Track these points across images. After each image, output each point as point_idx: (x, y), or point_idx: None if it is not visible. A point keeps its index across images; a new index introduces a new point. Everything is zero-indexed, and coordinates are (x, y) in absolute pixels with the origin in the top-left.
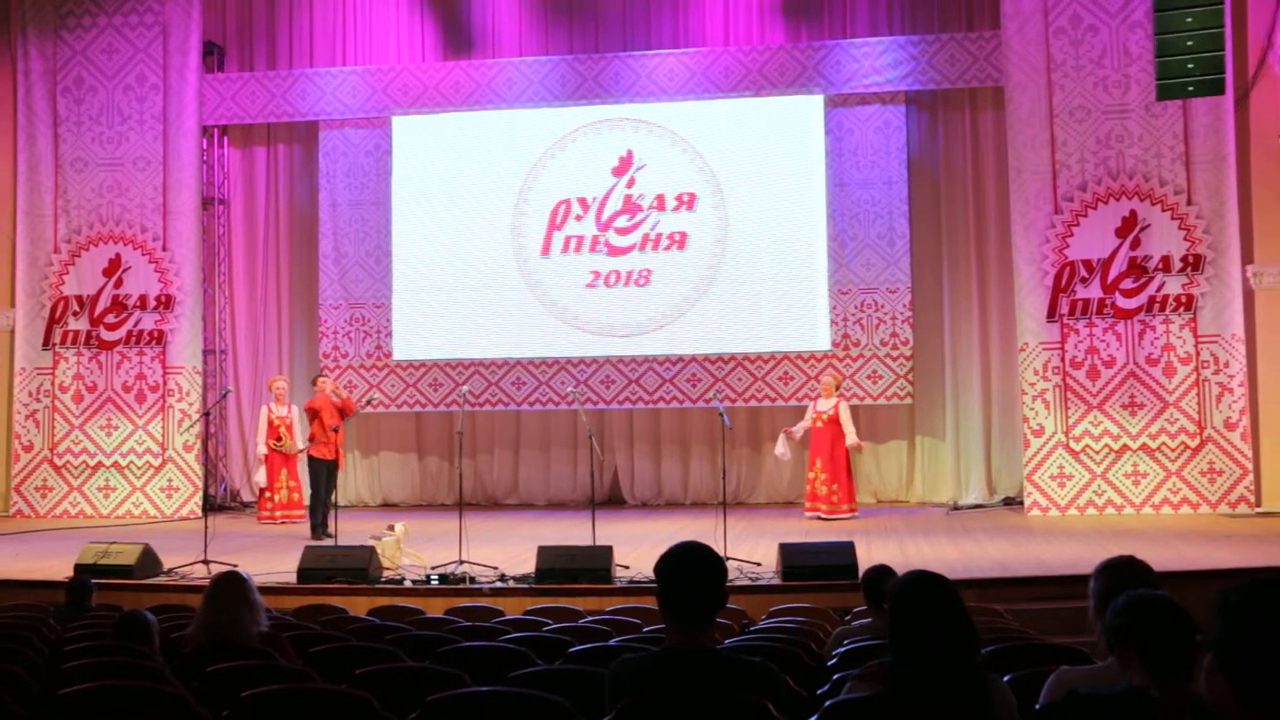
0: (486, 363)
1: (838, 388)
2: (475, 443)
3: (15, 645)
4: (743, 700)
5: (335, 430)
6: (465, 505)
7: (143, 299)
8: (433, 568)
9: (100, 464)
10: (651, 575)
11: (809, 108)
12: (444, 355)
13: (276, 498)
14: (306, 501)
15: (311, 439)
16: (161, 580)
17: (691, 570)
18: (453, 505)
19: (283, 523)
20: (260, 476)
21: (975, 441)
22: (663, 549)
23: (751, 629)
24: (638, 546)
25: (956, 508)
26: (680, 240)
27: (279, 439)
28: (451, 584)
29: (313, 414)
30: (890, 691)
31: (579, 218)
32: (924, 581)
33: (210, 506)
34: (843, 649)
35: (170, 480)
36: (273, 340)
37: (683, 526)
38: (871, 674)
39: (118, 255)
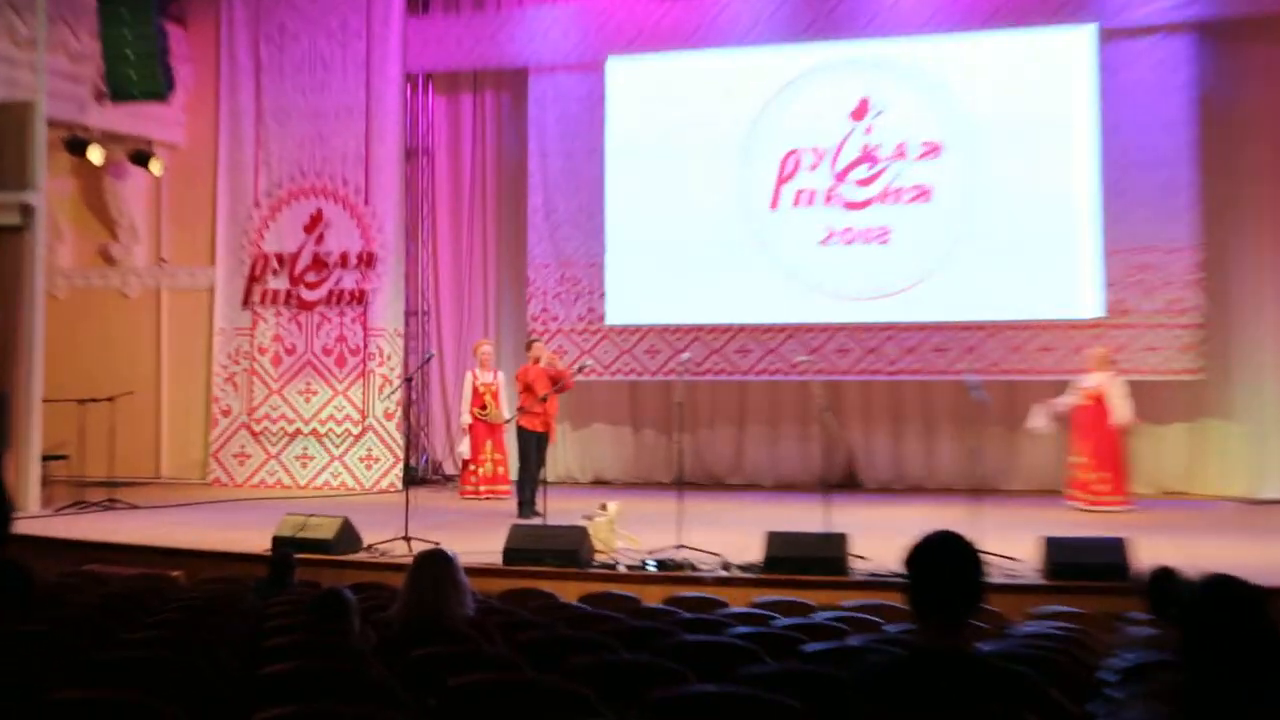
0: (708, 328)
1: (1108, 361)
2: (696, 416)
3: (218, 619)
4: (1003, 712)
5: (544, 399)
6: (685, 484)
7: (344, 256)
8: (649, 552)
9: (299, 431)
10: (892, 568)
11: (1075, 42)
12: (662, 320)
13: (481, 471)
14: (513, 476)
15: (521, 409)
16: (361, 556)
17: (946, 563)
18: (671, 484)
19: (487, 498)
20: (464, 448)
21: (1275, 425)
22: (904, 538)
23: (1010, 633)
24: (876, 535)
25: (1256, 502)
26: (924, 193)
27: (484, 408)
28: (670, 571)
29: (524, 384)
30: (1186, 716)
31: (811, 169)
32: (1230, 589)
33: (411, 479)
34: (1120, 662)
35: (370, 450)
36: (478, 301)
37: (928, 514)
38: (1160, 692)
39: (319, 210)
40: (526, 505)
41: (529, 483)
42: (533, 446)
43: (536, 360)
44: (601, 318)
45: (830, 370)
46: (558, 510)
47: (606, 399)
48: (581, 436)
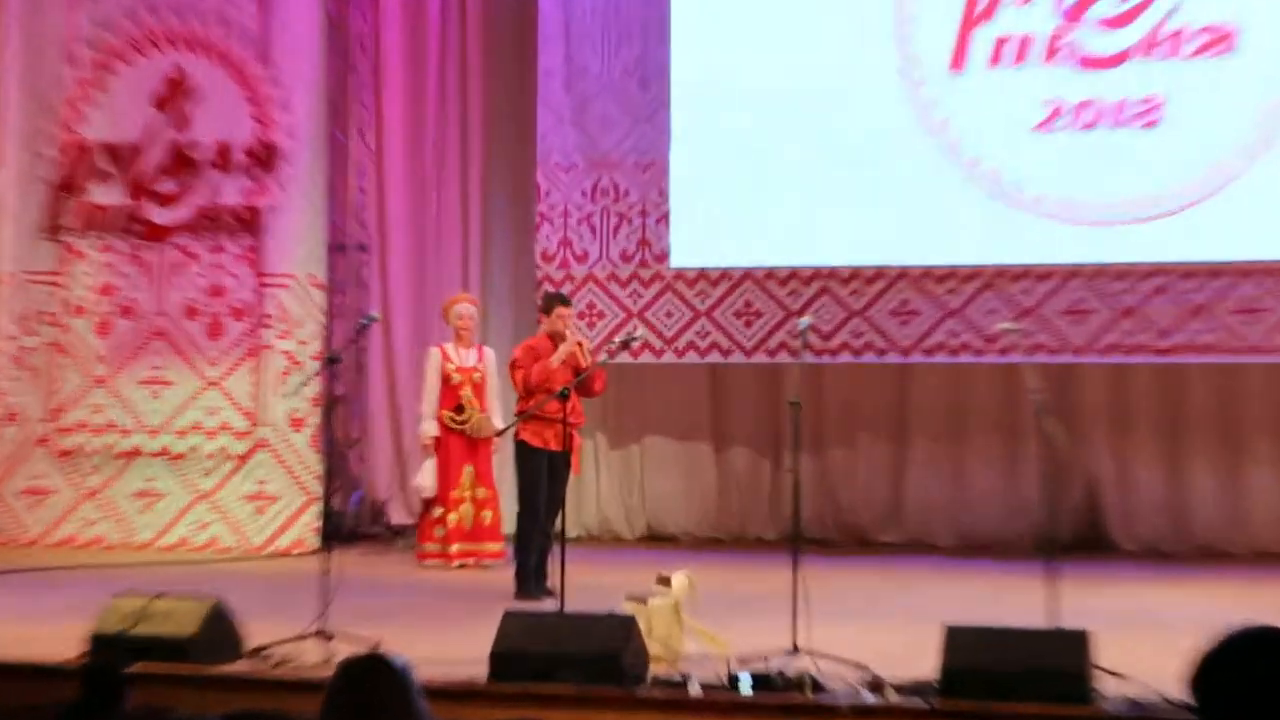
0: (842, 274)
1: None
2: (821, 425)
3: None
4: None
5: (564, 396)
6: (804, 543)
7: (223, 151)
8: (741, 661)
9: (138, 450)
10: (1172, 693)
11: None
12: (763, 260)
13: (452, 518)
14: (508, 527)
15: (523, 413)
16: (242, 668)
17: (1271, 686)
18: (778, 542)
19: (463, 565)
20: (426, 479)
21: None
22: (1190, 639)
23: None
24: (1139, 633)
25: None
26: (1222, 39)
27: (461, 410)
28: (779, 690)
29: (531, 374)
30: None
31: (1021, 2)
32: None
33: (335, 533)
34: None
35: (263, 482)
36: (451, 231)
37: (1233, 597)
38: None
39: (179, 71)
40: (530, 579)
41: (535, 540)
42: (542, 476)
43: (553, 335)
44: (662, 256)
45: (1055, 348)
46: (585, 587)
47: (669, 395)
48: (624, 460)
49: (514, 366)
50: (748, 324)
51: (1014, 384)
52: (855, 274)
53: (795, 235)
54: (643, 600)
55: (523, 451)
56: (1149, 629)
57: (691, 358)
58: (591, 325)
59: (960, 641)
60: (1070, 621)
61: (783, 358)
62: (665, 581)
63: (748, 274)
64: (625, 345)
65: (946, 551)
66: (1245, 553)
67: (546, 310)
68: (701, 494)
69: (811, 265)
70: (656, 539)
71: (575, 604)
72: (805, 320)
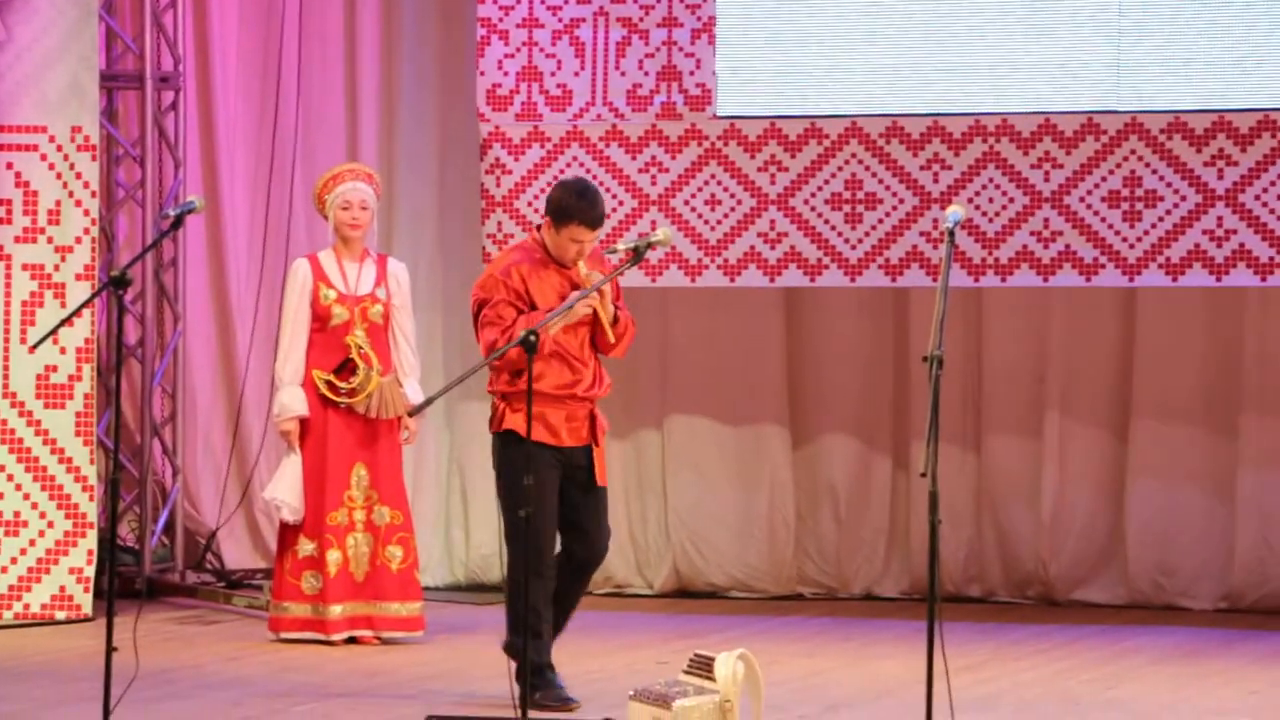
0: (1023, 128)
1: None
2: (977, 398)
3: None
4: None
5: (530, 345)
6: (950, 602)
7: None
8: None
9: None
10: None
11: None
12: (874, 103)
13: (333, 559)
14: (437, 578)
15: (508, 371)
16: None
17: None
18: (903, 600)
19: (352, 639)
20: (286, 489)
21: None
22: None
23: None
24: None
25: None
26: None
27: (345, 369)
28: None
29: (501, 325)
30: None
31: None
32: None
33: (125, 585)
34: None
35: None
36: (326, 56)
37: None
38: None
39: None
40: (543, 669)
41: (538, 598)
42: (547, 490)
43: (556, 259)
44: (702, 99)
45: None
46: (565, 675)
47: (714, 345)
48: (637, 458)
49: (478, 312)
50: (853, 221)
51: None
52: (1046, 128)
53: (934, 58)
54: (666, 701)
55: (509, 448)
56: None
57: (752, 278)
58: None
59: None
60: None
61: (915, 278)
62: (705, 667)
63: (853, 128)
64: (636, 256)
65: (1202, 618)
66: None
67: (556, 219)
68: (768, 518)
69: (968, 113)
70: (690, 594)
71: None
72: (955, 211)
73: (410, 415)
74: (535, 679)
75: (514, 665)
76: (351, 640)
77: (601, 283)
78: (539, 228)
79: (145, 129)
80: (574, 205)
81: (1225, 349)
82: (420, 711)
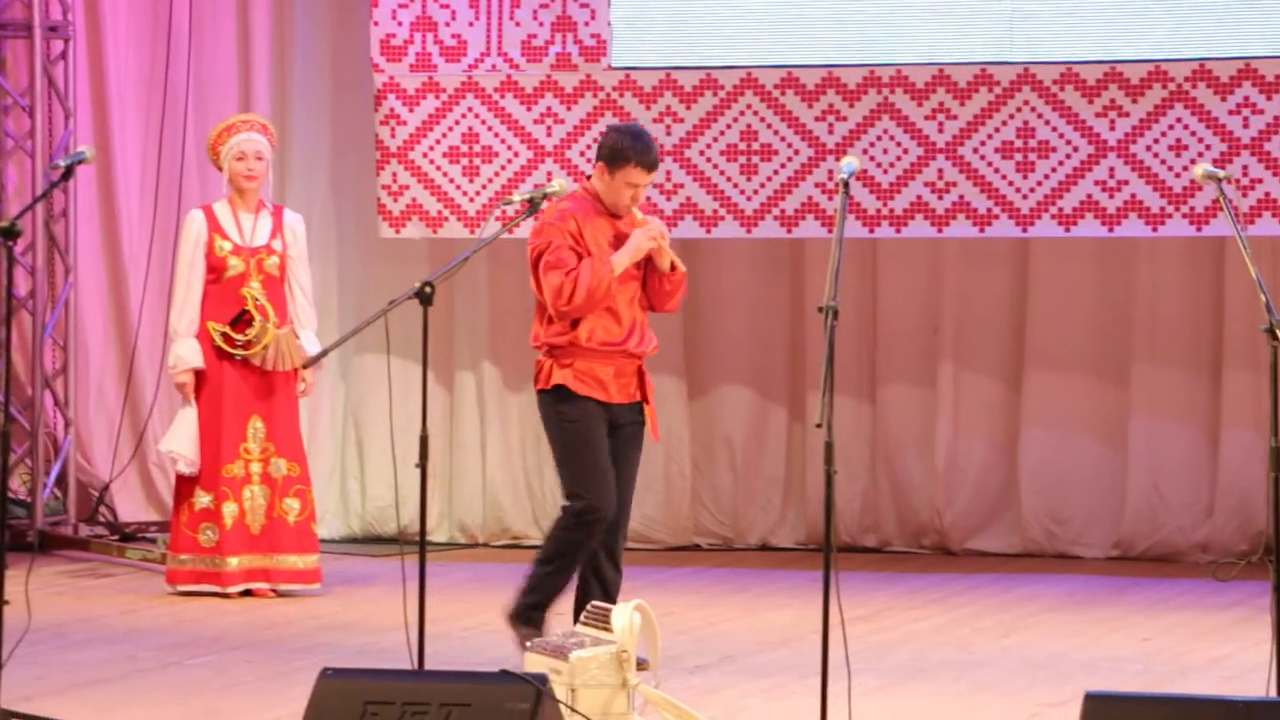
0: (916, 79)
1: None
2: (872, 350)
3: None
4: None
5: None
6: (843, 552)
7: None
8: None
9: None
10: None
11: None
12: (771, 54)
13: (230, 511)
14: (334, 529)
15: (552, 348)
16: None
17: None
18: (799, 550)
19: (247, 591)
20: (181, 440)
21: None
22: None
23: None
24: None
25: None
26: None
27: (241, 320)
28: None
29: (568, 270)
30: None
31: None
32: None
33: (15, 538)
34: None
35: None
36: (225, 14)
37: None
38: None
39: None
40: (536, 611)
41: (584, 559)
42: (601, 445)
43: (608, 206)
44: (597, 50)
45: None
46: (462, 626)
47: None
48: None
49: (537, 261)
50: (748, 172)
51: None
52: (940, 79)
53: (829, 9)
54: (562, 652)
55: (560, 405)
56: None
57: (694, 230)
58: (472, 175)
59: (1111, 718)
60: None
61: (810, 230)
62: (602, 617)
63: (748, 79)
64: (532, 207)
65: (1094, 566)
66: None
67: (610, 162)
68: (664, 469)
69: (863, 64)
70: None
71: (445, 655)
72: (850, 163)
73: (304, 367)
74: (536, 627)
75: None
76: (247, 593)
77: (666, 235)
78: (589, 178)
79: (34, 78)
80: (630, 147)
81: (1117, 299)
82: (316, 663)
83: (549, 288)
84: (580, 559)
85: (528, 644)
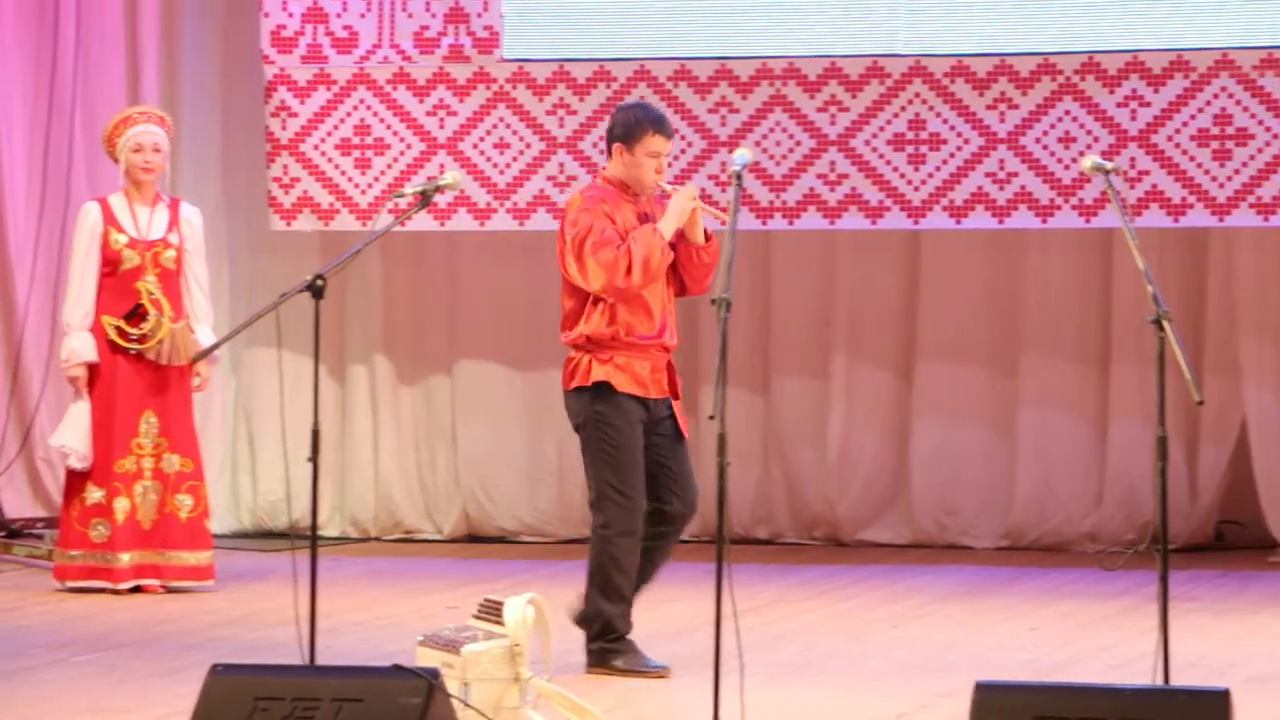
0: (808, 71)
1: None
2: (765, 343)
3: None
4: None
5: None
6: (737, 544)
7: None
8: None
9: None
10: None
11: None
12: (660, 46)
13: (121, 507)
14: (230, 524)
15: (583, 342)
16: None
17: None
18: (692, 543)
19: (138, 588)
20: (73, 435)
21: None
22: None
23: None
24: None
25: None
26: None
27: (136, 315)
28: None
29: (617, 243)
30: None
31: None
32: None
33: None
34: None
35: None
36: (112, 4)
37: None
38: None
39: None
40: (620, 632)
41: (630, 561)
42: (638, 447)
43: (629, 184)
44: (490, 41)
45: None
46: (354, 621)
47: (502, 289)
48: (425, 405)
49: (581, 244)
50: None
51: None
52: (832, 71)
53: (721, 2)
54: (454, 646)
55: (599, 404)
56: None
57: (542, 222)
58: (364, 167)
59: (1000, 702)
60: (1186, 667)
61: (703, 221)
62: (494, 611)
63: (641, 71)
64: (424, 200)
65: (984, 557)
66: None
67: (626, 139)
68: (558, 462)
69: (755, 56)
70: (479, 539)
71: (337, 651)
72: (743, 154)
73: (194, 361)
74: (619, 645)
75: (591, 634)
76: (137, 589)
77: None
78: (603, 168)
79: None
80: (644, 118)
81: (1007, 290)
82: (207, 659)
83: (603, 265)
84: (634, 569)
85: (419, 638)
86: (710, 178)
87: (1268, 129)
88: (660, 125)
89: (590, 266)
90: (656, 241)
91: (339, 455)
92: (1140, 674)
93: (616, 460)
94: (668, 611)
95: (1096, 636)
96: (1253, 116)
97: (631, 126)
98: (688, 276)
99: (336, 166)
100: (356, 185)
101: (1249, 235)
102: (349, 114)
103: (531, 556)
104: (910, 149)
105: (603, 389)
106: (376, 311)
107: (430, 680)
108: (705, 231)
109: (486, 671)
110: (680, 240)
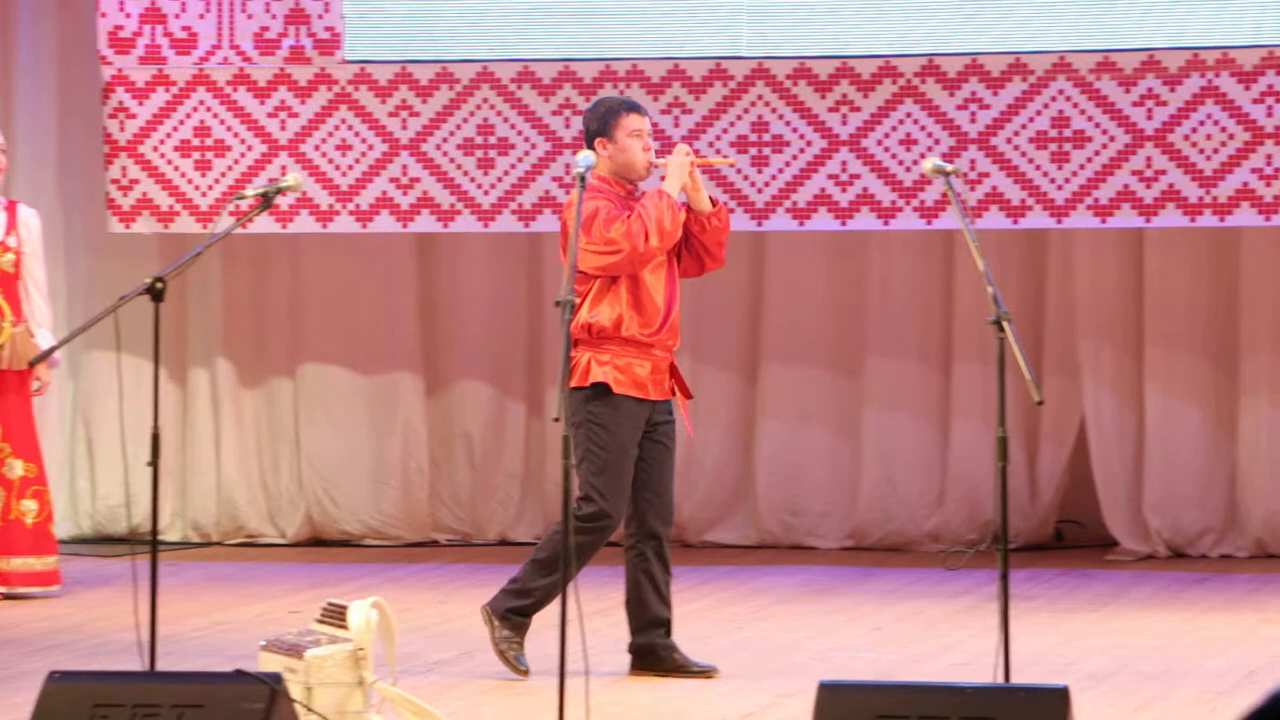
0: (650, 72)
1: None
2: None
3: None
4: None
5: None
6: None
7: None
8: None
9: None
10: None
11: None
12: (509, 48)
13: None
14: (73, 528)
15: (594, 338)
16: None
17: None
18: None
19: None
20: None
21: None
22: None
23: None
24: (1135, 684)
25: None
26: None
27: None
28: None
29: (630, 216)
30: None
31: None
32: None
33: None
34: None
35: None
36: None
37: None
38: None
39: None
40: (523, 615)
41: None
42: (631, 452)
43: (621, 177)
44: (331, 43)
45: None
46: (196, 627)
47: (346, 292)
48: (268, 407)
49: (591, 220)
50: (486, 166)
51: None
52: (676, 73)
53: (565, 3)
54: (297, 650)
55: (593, 404)
56: (1158, 680)
57: (385, 224)
58: (204, 169)
59: (842, 702)
60: (1027, 665)
61: (547, 224)
62: (338, 615)
63: (484, 73)
64: (266, 202)
65: (828, 557)
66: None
67: (604, 129)
68: (402, 465)
69: (599, 58)
70: (323, 543)
71: (178, 656)
72: (586, 156)
73: (33, 364)
74: (516, 621)
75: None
76: None
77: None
78: (588, 169)
79: None
80: (612, 103)
81: (850, 292)
82: (46, 666)
83: (621, 236)
84: (581, 565)
85: (262, 643)
86: (555, 179)
87: (1104, 131)
88: (632, 104)
89: (606, 242)
90: (665, 201)
91: (180, 459)
92: (982, 672)
93: (604, 464)
94: None
95: (939, 636)
96: (1089, 119)
97: (604, 116)
98: (702, 250)
99: (176, 168)
100: (196, 187)
101: (1087, 237)
102: (188, 115)
103: (376, 560)
104: (754, 151)
105: (600, 390)
106: (217, 314)
107: (273, 685)
108: (711, 199)
109: (330, 676)
110: (688, 214)
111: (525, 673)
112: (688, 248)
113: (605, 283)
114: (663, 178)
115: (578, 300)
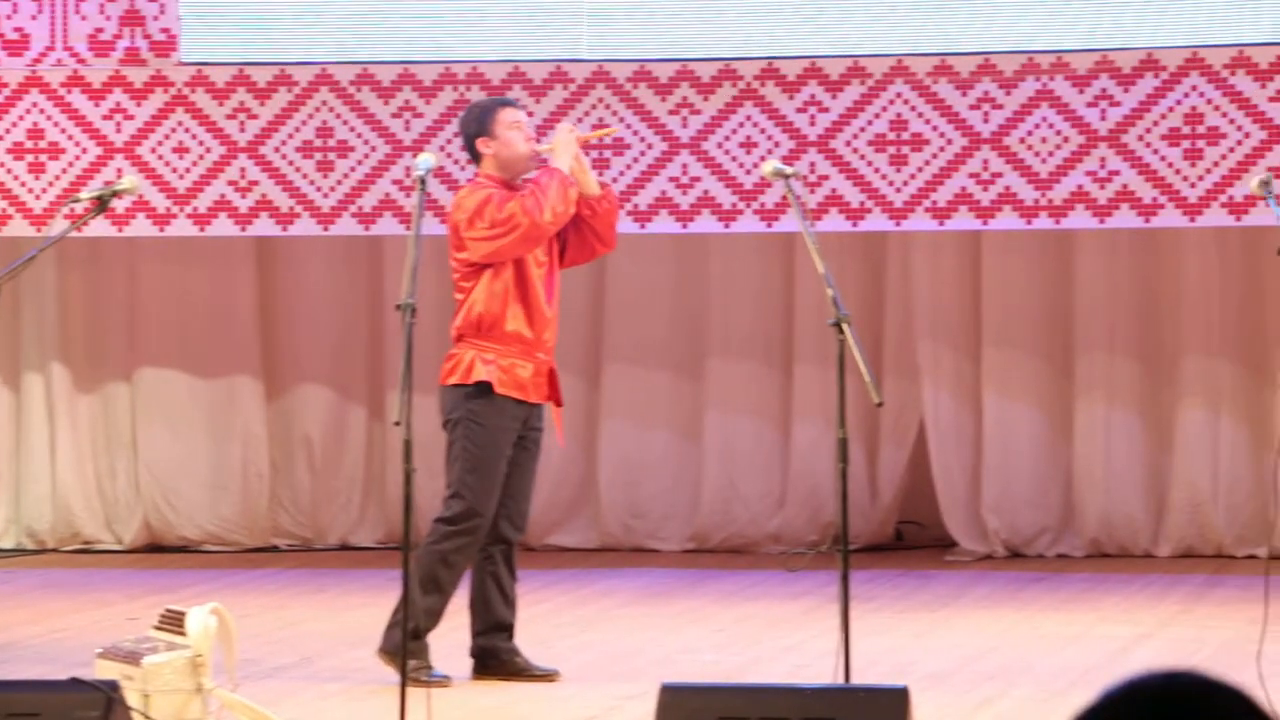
0: (487, 73)
1: None
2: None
3: None
4: None
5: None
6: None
7: None
8: None
9: None
10: None
11: None
12: (350, 50)
13: None
14: None
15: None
16: None
17: None
18: (379, 549)
19: None
20: None
21: None
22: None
23: None
24: (978, 683)
25: None
26: None
27: None
28: None
29: (524, 196)
30: None
31: None
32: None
33: None
34: None
35: None
36: None
37: (1138, 628)
38: None
39: None
40: (416, 639)
41: (466, 565)
42: (504, 456)
43: (507, 176)
44: (167, 45)
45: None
46: (32, 635)
47: (182, 295)
48: (104, 411)
49: (480, 210)
50: (325, 169)
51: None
52: (515, 75)
53: (404, 6)
54: (134, 658)
55: (473, 402)
56: (996, 679)
57: (223, 227)
58: (38, 171)
59: (683, 705)
60: (870, 667)
61: (387, 227)
62: (176, 621)
63: (322, 74)
64: (101, 205)
65: (670, 559)
66: (1140, 554)
67: (482, 129)
68: (241, 470)
69: (437, 60)
70: (161, 549)
71: (12, 665)
72: (427, 159)
73: None
74: (413, 645)
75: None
76: None
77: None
78: (476, 172)
79: None
80: (486, 102)
81: (691, 294)
82: None
83: (515, 210)
84: (461, 574)
85: (99, 650)
86: (395, 182)
87: (942, 134)
88: (505, 100)
89: (501, 222)
90: (556, 175)
91: (14, 465)
92: (823, 673)
93: (479, 462)
94: (353, 619)
95: (780, 637)
96: (927, 122)
97: (480, 116)
98: (593, 234)
99: (9, 171)
100: (30, 190)
101: (925, 239)
102: (21, 117)
103: (215, 566)
104: (594, 154)
105: (483, 388)
106: (52, 318)
107: (109, 693)
108: (599, 182)
109: (168, 683)
110: (579, 198)
111: (448, 681)
112: (577, 233)
113: (492, 276)
114: (547, 160)
115: (460, 297)
